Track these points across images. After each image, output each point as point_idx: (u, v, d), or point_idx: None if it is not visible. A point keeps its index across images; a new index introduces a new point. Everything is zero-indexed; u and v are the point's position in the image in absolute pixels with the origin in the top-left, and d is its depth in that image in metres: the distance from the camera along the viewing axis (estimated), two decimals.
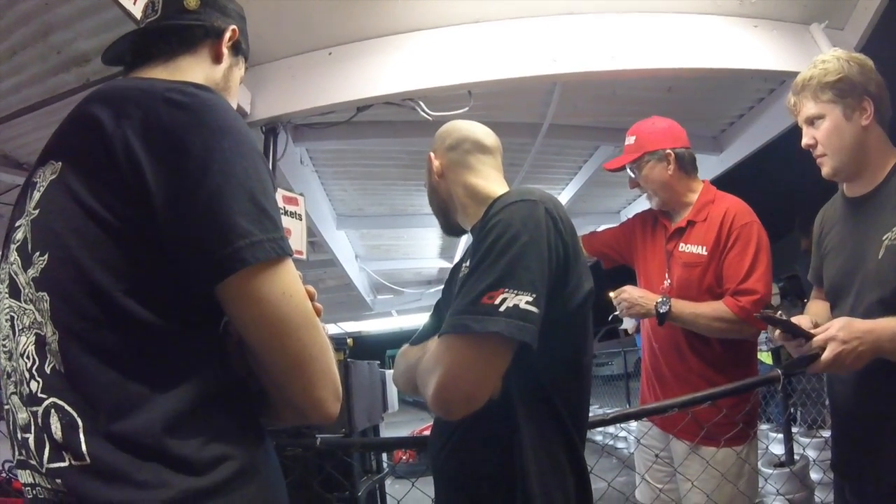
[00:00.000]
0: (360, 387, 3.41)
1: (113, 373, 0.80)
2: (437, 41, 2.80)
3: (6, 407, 0.88)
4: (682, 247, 2.10)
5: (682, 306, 1.99)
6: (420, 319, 9.91)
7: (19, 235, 0.90)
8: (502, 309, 1.04)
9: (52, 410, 0.80)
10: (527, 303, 1.05)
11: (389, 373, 6.11)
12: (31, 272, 0.85)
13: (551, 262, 1.11)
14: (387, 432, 4.93)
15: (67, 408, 0.79)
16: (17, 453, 0.86)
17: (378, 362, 4.45)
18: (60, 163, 0.88)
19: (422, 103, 2.97)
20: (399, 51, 2.79)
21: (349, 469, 2.93)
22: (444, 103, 2.96)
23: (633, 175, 2.24)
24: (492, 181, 1.42)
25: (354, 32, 2.77)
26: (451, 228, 1.52)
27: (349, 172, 4.43)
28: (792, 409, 4.56)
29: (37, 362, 0.82)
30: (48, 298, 0.83)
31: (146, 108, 0.85)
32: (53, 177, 0.88)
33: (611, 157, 4.32)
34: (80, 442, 0.77)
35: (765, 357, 4.62)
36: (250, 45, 1.27)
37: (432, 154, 1.48)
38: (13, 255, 0.90)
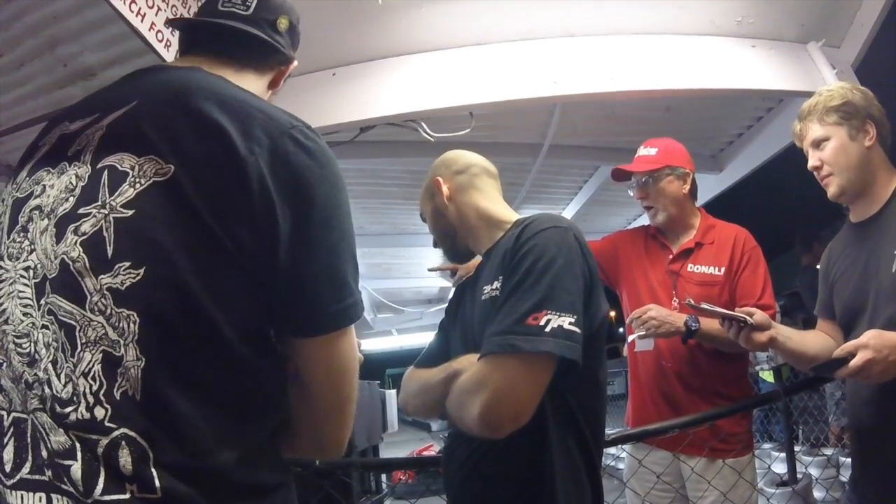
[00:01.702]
0: (359, 407, 3.39)
1: (199, 408, 0.75)
2: (439, 63, 2.84)
3: (13, 420, 0.76)
4: (694, 267, 2.13)
5: (709, 323, 1.98)
6: (420, 338, 9.89)
7: (87, 227, 0.78)
8: (548, 329, 1.09)
9: (123, 442, 0.71)
10: (570, 323, 1.10)
11: (389, 392, 6.11)
12: (110, 281, 0.75)
13: (581, 284, 1.18)
14: (386, 452, 4.91)
15: (140, 439, 0.72)
16: (32, 472, 0.73)
17: (378, 382, 4.45)
18: (172, 166, 0.78)
19: (424, 124, 3.00)
20: (402, 72, 2.83)
21: (348, 489, 2.92)
22: (445, 124, 2.99)
23: (644, 185, 2.23)
24: (501, 206, 1.47)
25: (358, 53, 2.81)
26: (458, 252, 1.53)
27: (351, 191, 4.36)
28: (794, 428, 4.54)
29: (104, 385, 0.73)
30: (137, 319, 0.74)
31: (274, 138, 0.83)
32: (161, 179, 0.78)
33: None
34: (153, 475, 0.71)
35: (766, 375, 4.61)
36: None
37: (440, 178, 1.49)
38: (76, 250, 0.77)
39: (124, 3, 1.78)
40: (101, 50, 2.40)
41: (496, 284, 1.25)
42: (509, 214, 1.44)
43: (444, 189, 1.48)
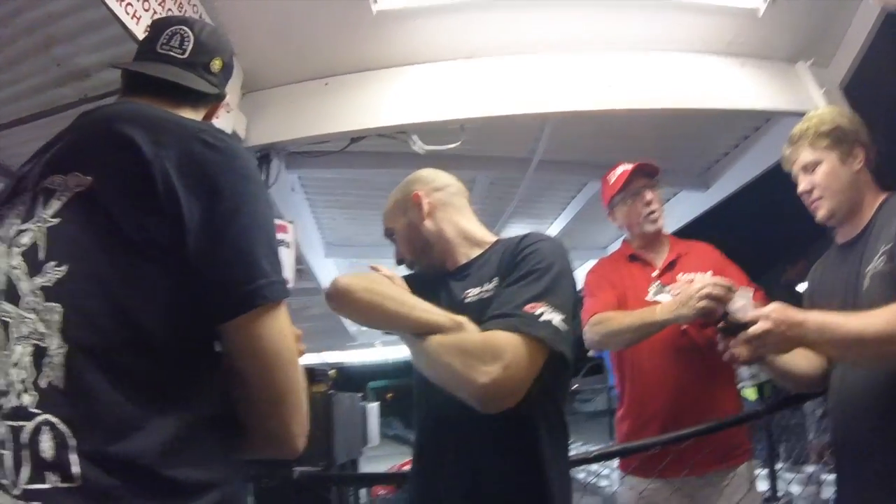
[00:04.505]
0: (340, 420, 3.38)
1: (118, 393, 0.79)
2: (431, 75, 2.87)
3: None
4: (683, 275, 2.15)
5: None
6: (404, 351, 9.82)
7: (25, 240, 0.87)
8: (541, 320, 1.14)
9: (45, 427, 0.76)
10: (561, 321, 1.16)
11: (370, 406, 6.05)
12: (41, 280, 0.83)
13: (572, 293, 1.25)
14: (366, 467, 4.85)
15: (61, 426, 0.76)
16: None
17: (360, 395, 4.42)
18: (90, 178, 0.88)
19: (414, 136, 3.01)
20: (394, 83, 2.85)
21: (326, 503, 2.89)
22: (436, 136, 3.00)
23: (652, 188, 2.31)
24: (479, 225, 1.51)
25: (351, 64, 2.83)
26: (431, 268, 1.50)
27: (340, 201, 4.46)
28: (776, 445, 4.57)
29: (34, 374, 0.79)
30: (61, 310, 0.81)
31: (182, 141, 0.90)
32: (80, 189, 0.87)
33: (599, 193, 4.41)
34: (70, 462, 0.75)
35: (749, 393, 4.64)
36: (250, 71, 1.32)
37: (420, 193, 1.49)
38: (16, 259, 0.86)
39: (120, 4, 1.78)
40: (96, 51, 2.39)
41: (488, 286, 1.29)
42: (488, 234, 1.49)
43: (425, 205, 1.48)
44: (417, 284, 1.40)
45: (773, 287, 5.50)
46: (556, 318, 1.15)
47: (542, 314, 1.14)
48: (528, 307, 1.15)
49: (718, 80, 3.01)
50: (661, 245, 2.33)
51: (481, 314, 1.22)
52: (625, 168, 2.34)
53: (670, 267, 2.25)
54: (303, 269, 4.84)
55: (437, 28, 2.71)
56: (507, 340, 1.12)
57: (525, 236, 1.32)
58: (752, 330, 1.45)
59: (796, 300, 1.83)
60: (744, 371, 1.86)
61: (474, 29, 2.76)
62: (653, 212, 2.28)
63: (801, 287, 1.92)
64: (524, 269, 1.23)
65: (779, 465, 4.35)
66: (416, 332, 1.22)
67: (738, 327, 1.50)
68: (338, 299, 1.28)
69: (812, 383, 1.73)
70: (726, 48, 3.02)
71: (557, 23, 2.79)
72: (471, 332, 1.17)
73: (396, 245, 1.55)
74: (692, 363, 2.10)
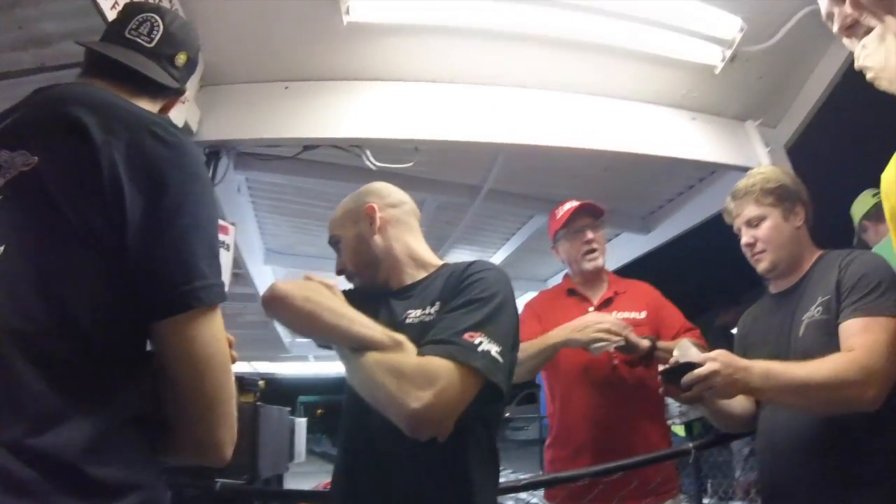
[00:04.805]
0: (267, 433, 3.29)
1: (44, 383, 0.76)
2: (393, 93, 2.88)
3: None
4: (618, 313, 2.26)
5: (663, 343, 2.15)
6: (337, 367, 9.66)
7: None
8: (479, 350, 1.14)
9: None
10: (496, 352, 1.16)
11: (299, 421, 5.90)
12: None
13: (512, 326, 1.26)
14: (291, 483, 4.72)
15: None
16: None
17: (289, 409, 4.32)
18: (37, 158, 0.86)
19: (368, 152, 3.01)
20: (354, 96, 2.85)
21: None
22: (389, 155, 3.01)
23: (594, 228, 2.41)
24: (427, 248, 1.51)
25: (314, 71, 2.81)
26: (372, 283, 1.48)
27: (286, 208, 4.39)
28: (703, 481, 4.68)
29: None
30: None
31: (133, 131, 0.88)
32: (26, 168, 0.86)
33: (544, 226, 4.49)
34: None
35: (678, 430, 4.75)
36: (211, 64, 1.31)
37: (374, 206, 1.47)
38: None
39: None
40: (61, 20, 2.28)
41: (430, 309, 1.29)
42: (434, 257, 1.49)
43: (377, 219, 1.46)
44: (356, 299, 1.37)
45: (708, 329, 5.70)
46: (493, 348, 1.15)
47: (480, 344, 1.14)
48: (466, 336, 1.15)
49: (669, 131, 3.14)
50: (600, 282, 2.42)
51: (420, 336, 1.21)
52: (571, 205, 2.42)
53: (606, 303, 2.33)
54: (240, 274, 4.73)
55: (405, 48, 2.73)
56: (442, 367, 1.11)
57: (471, 264, 1.33)
58: (699, 371, 1.49)
59: (731, 342, 1.93)
60: (673, 408, 1.94)
61: (441, 54, 2.79)
62: (592, 250, 2.37)
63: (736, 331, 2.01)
64: (467, 297, 1.23)
65: (706, 501, 4.46)
66: (353, 346, 1.20)
67: (683, 368, 1.54)
68: (275, 305, 1.25)
69: (742, 423, 1.82)
70: (680, 101, 3.16)
71: (521, 59, 2.85)
72: (408, 353, 1.16)
73: (340, 254, 1.52)
74: (621, 398, 2.18)
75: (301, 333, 1.36)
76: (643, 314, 2.29)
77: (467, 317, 1.19)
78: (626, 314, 2.27)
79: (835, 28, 1.18)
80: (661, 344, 2.12)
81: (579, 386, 2.24)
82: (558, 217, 2.45)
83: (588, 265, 2.37)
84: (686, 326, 2.29)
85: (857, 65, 1.09)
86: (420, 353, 1.15)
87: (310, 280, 1.32)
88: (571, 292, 2.42)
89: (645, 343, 2.09)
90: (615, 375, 2.20)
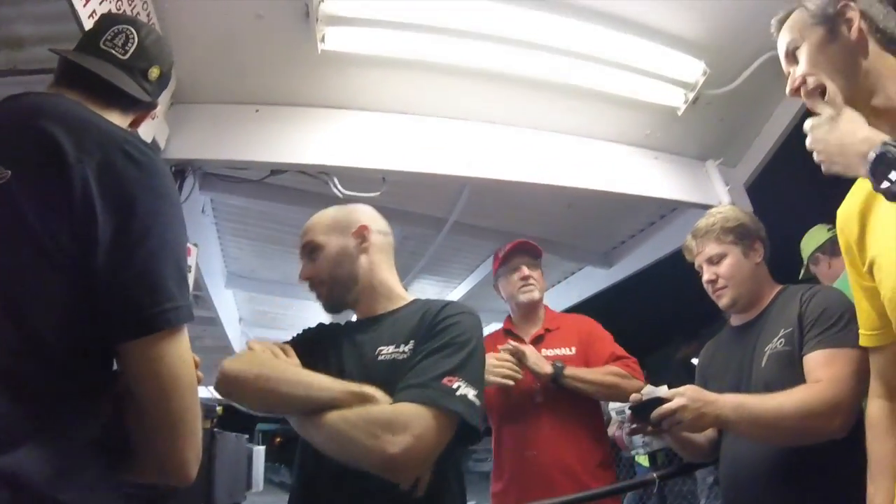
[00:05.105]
0: (224, 460, 3.19)
1: (10, 405, 0.76)
2: (362, 122, 2.91)
3: None
4: (547, 351, 2.35)
5: (572, 367, 2.22)
6: None
7: None
8: (458, 394, 1.17)
9: None
10: (473, 395, 1.20)
11: (257, 449, 5.74)
12: None
13: (483, 369, 1.31)
14: None
15: None
16: None
17: (247, 436, 4.21)
18: (10, 172, 0.85)
19: (335, 179, 3.01)
20: (325, 123, 2.86)
21: None
22: (357, 183, 3.02)
23: (531, 266, 2.51)
24: (398, 281, 1.53)
25: (285, 96, 2.82)
26: (342, 303, 1.48)
27: (249, 232, 4.35)
28: None
29: None
30: None
31: (105, 150, 0.89)
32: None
33: None
34: None
35: (642, 460, 4.78)
36: (182, 81, 1.30)
37: (368, 226, 1.48)
38: None
39: None
40: (37, 23, 2.23)
41: (404, 348, 1.31)
42: (404, 292, 1.51)
43: (371, 239, 1.47)
44: (312, 340, 1.42)
45: (669, 361, 5.78)
46: (470, 392, 1.19)
47: (458, 388, 1.18)
48: (445, 380, 1.18)
49: (632, 169, 3.23)
50: (535, 318, 2.51)
51: (392, 373, 1.24)
52: (511, 245, 2.54)
53: (537, 341, 2.41)
54: (200, 296, 4.65)
55: (377, 79, 2.77)
56: (415, 412, 1.14)
57: (445, 305, 1.36)
58: (668, 406, 1.53)
59: (692, 374, 1.97)
60: (637, 439, 1.97)
61: (412, 87, 2.83)
62: (526, 284, 2.46)
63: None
64: (443, 341, 1.26)
65: None
66: (315, 410, 1.19)
67: (652, 403, 1.57)
68: (229, 389, 1.26)
69: (706, 453, 1.85)
70: (643, 140, 3.26)
71: (490, 96, 2.91)
72: (376, 402, 1.18)
73: (314, 262, 1.48)
74: (545, 433, 2.21)
75: (260, 411, 1.36)
76: (573, 350, 2.37)
77: (445, 361, 1.22)
78: (556, 351, 2.36)
79: (787, 90, 1.25)
80: (569, 371, 2.20)
81: (506, 423, 2.33)
82: (500, 256, 2.57)
83: (523, 297, 2.46)
84: (616, 356, 2.34)
85: (808, 146, 1.14)
86: (400, 397, 1.17)
87: (256, 349, 1.32)
88: (507, 332, 2.50)
89: (547, 370, 2.18)
90: (537, 410, 2.25)
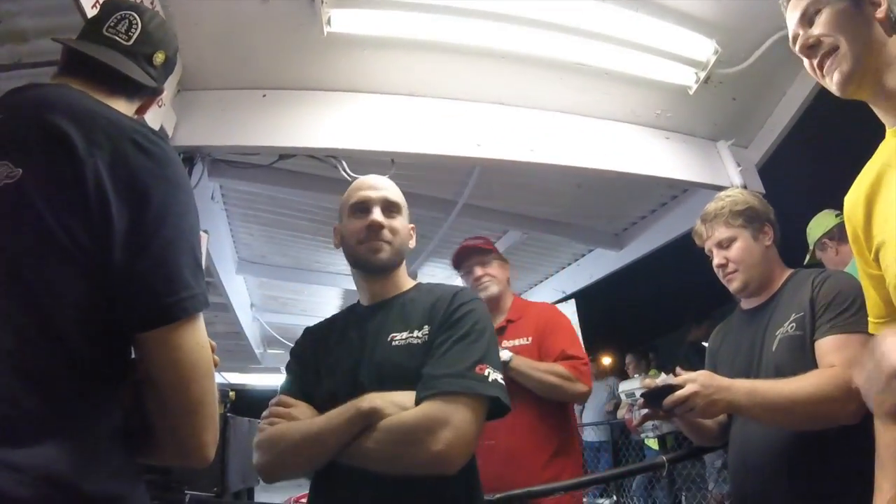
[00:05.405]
0: (237, 445, 3.22)
1: (33, 398, 0.77)
2: (370, 105, 2.89)
3: None
4: (507, 342, 2.42)
5: (520, 359, 2.26)
6: None
7: None
8: (490, 380, 1.27)
9: None
10: (500, 378, 1.30)
11: None
12: None
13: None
14: (261, 497, 4.64)
15: None
16: None
17: (259, 421, 4.23)
18: (21, 170, 0.85)
19: (344, 163, 3.00)
20: (332, 107, 2.84)
21: None
22: (365, 166, 2.99)
23: (483, 263, 2.60)
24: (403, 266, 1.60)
25: (292, 80, 2.81)
26: (384, 265, 1.50)
27: (259, 217, 4.36)
28: (677, 494, 4.73)
29: None
30: None
31: (115, 141, 0.89)
32: (9, 181, 0.85)
33: (517, 242, 4.49)
34: None
35: (651, 443, 4.80)
36: (188, 68, 1.29)
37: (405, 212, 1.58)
38: None
39: None
40: (40, 16, 2.25)
41: (418, 333, 1.37)
42: (406, 275, 1.59)
43: (409, 222, 1.59)
44: (316, 339, 1.52)
45: (680, 343, 5.76)
46: (498, 376, 1.29)
47: (489, 374, 1.27)
48: (478, 369, 1.27)
49: (643, 149, 3.19)
50: (499, 311, 2.57)
51: (409, 359, 1.32)
52: (456, 252, 2.66)
53: (500, 332, 2.45)
54: (212, 283, 4.67)
55: (384, 61, 2.74)
56: (444, 408, 1.21)
57: (458, 292, 1.44)
58: (680, 393, 1.53)
59: (703, 356, 1.97)
60: (647, 423, 1.97)
61: (419, 68, 2.80)
62: (480, 284, 2.56)
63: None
64: (464, 329, 1.34)
65: None
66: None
67: (664, 390, 1.57)
68: (268, 475, 1.34)
69: (715, 436, 1.86)
70: (654, 120, 3.22)
71: (499, 77, 2.88)
72: (388, 409, 1.23)
73: (391, 217, 1.53)
74: (507, 427, 2.13)
75: (305, 474, 1.41)
76: (528, 340, 2.43)
77: (472, 350, 1.30)
78: (514, 342, 2.43)
79: (796, 48, 1.22)
80: (515, 363, 2.24)
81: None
82: (453, 265, 2.70)
83: (482, 295, 2.49)
84: (564, 355, 2.35)
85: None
86: (438, 386, 1.24)
87: (269, 425, 1.37)
88: None
89: None
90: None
